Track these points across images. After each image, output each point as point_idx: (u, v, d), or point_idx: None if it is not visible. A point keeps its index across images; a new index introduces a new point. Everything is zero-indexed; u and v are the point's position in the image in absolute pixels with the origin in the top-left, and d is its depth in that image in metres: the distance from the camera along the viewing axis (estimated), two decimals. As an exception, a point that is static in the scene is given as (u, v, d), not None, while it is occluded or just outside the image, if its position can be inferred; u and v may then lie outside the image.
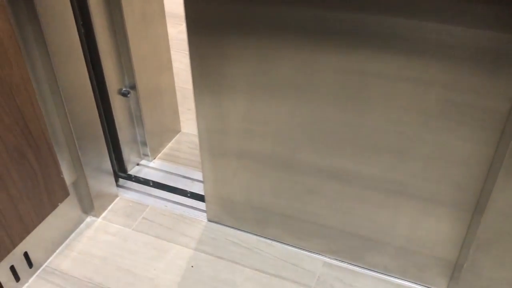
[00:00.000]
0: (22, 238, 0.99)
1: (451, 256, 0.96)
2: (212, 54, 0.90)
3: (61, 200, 1.07)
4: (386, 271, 1.05)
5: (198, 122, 1.01)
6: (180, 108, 1.44)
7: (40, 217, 1.02)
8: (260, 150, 0.99)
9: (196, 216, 1.21)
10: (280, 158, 0.98)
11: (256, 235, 1.15)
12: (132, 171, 1.34)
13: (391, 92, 0.81)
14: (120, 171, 1.31)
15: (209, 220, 1.19)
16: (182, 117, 1.47)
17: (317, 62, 0.83)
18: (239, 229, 1.16)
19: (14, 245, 0.98)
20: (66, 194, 1.08)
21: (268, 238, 1.14)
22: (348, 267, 1.08)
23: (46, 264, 1.10)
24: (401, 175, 0.90)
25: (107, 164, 1.20)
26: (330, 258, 1.09)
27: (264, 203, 1.08)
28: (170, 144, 1.43)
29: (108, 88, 1.16)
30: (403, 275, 1.04)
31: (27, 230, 1.00)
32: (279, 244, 1.13)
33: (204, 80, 0.94)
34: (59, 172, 1.03)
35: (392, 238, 1.00)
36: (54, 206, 1.05)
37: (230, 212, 1.14)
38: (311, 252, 1.11)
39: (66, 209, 1.13)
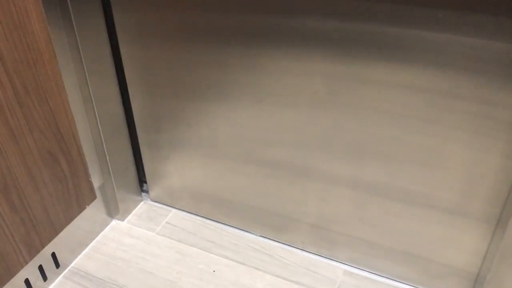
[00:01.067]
0: (50, 238, 1.02)
1: (473, 267, 0.96)
2: (143, 58, 1.01)
3: (89, 203, 1.10)
4: (406, 280, 1.06)
5: (135, 115, 1.13)
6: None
7: (68, 218, 1.05)
8: (189, 141, 1.11)
9: (219, 221, 1.23)
10: (207, 148, 1.10)
11: (194, 214, 1.27)
12: (156, 176, 1.37)
13: (411, 103, 0.82)
14: (144, 176, 1.33)
15: (152, 200, 1.30)
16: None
17: (228, 64, 0.93)
18: (177, 209, 1.28)
19: (43, 245, 1.01)
20: (93, 197, 1.11)
21: (289, 245, 1.15)
22: (369, 276, 1.08)
23: (72, 265, 1.13)
24: (422, 185, 0.91)
25: (133, 169, 1.23)
26: (351, 267, 1.10)
27: (196, 185, 1.19)
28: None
29: (136, 95, 1.19)
30: (424, 285, 1.04)
31: (55, 231, 1.03)
32: (299, 251, 1.14)
33: (137, 82, 1.06)
34: (87, 176, 1.06)
35: (411, 248, 1.00)
36: (81, 209, 1.08)
37: (168, 193, 1.25)
38: (332, 260, 1.11)
39: (93, 212, 1.16)
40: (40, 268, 1.04)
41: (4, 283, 0.93)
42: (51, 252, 1.06)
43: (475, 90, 0.77)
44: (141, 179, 1.32)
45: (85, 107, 1.04)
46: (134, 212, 1.27)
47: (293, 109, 0.93)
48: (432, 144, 0.85)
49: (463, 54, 0.75)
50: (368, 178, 0.95)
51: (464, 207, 0.90)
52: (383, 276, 1.08)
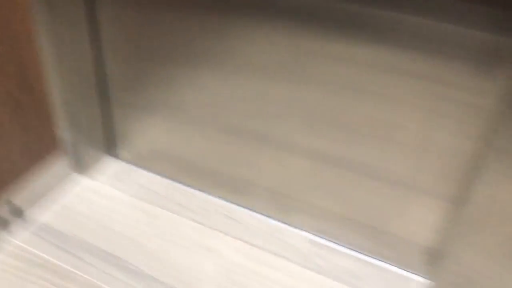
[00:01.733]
0: (9, 184, 1.01)
1: (432, 242, 0.96)
2: (120, 19, 1.01)
3: (51, 153, 1.09)
4: (368, 251, 1.05)
5: (109, 75, 1.12)
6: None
7: (29, 165, 1.04)
8: (160, 104, 1.10)
9: (187, 185, 1.22)
10: (175, 111, 1.09)
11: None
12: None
13: (370, 79, 0.83)
14: (116, 136, 1.32)
15: (122, 160, 1.29)
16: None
17: (201, 32, 0.93)
18: (147, 170, 1.26)
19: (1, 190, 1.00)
20: (57, 148, 1.09)
21: (257, 212, 1.15)
22: (333, 246, 1.07)
23: (37, 219, 1.11)
24: (377, 158, 0.91)
25: (103, 128, 1.21)
26: (315, 235, 1.09)
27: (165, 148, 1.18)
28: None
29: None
30: (385, 257, 1.04)
31: (15, 176, 1.02)
32: (267, 218, 1.13)
33: (113, 42, 1.06)
34: (52, 126, 1.05)
35: (370, 220, 1.00)
36: (43, 157, 1.07)
37: (139, 154, 1.25)
38: (296, 228, 1.11)
39: (60, 168, 1.15)
40: (1, 219, 1.02)
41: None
42: (14, 204, 1.04)
43: (433, 70, 0.77)
44: (113, 140, 1.30)
45: (57, 61, 1.01)
46: (104, 171, 1.26)
47: (259, 78, 0.93)
48: (389, 120, 0.86)
49: (422, 35, 0.75)
50: (324, 148, 0.95)
51: (422, 184, 0.90)
52: (345, 246, 1.07)
